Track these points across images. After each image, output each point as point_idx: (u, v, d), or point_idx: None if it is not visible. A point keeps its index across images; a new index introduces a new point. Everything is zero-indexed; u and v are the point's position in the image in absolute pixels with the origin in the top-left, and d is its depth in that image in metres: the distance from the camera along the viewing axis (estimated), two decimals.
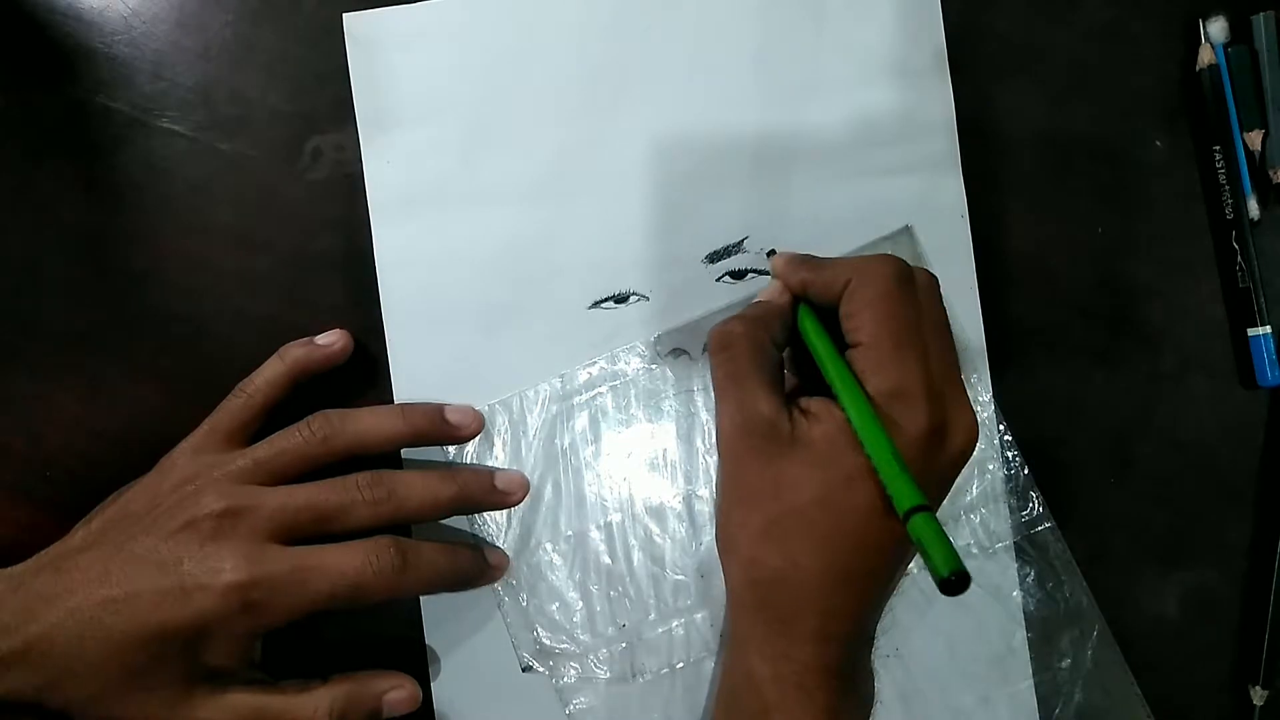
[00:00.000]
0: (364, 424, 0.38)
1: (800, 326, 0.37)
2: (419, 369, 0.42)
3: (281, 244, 0.42)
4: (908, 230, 0.43)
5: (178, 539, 0.35)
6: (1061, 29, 0.45)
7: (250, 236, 0.42)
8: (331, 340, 0.40)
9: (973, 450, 0.34)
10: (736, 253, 0.43)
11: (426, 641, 0.42)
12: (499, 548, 0.42)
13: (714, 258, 0.43)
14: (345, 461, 0.39)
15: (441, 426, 0.40)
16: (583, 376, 0.42)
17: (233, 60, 0.42)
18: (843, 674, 0.34)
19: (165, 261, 0.41)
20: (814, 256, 0.38)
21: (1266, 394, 0.45)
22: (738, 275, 0.43)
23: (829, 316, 0.36)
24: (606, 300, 0.42)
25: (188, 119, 0.41)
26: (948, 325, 0.36)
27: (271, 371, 0.40)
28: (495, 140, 0.42)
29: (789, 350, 0.38)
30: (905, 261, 0.35)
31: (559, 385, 0.42)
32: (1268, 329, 0.44)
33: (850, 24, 0.43)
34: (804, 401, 0.34)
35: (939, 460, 0.33)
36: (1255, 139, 0.44)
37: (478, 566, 0.40)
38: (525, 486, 0.41)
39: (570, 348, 0.42)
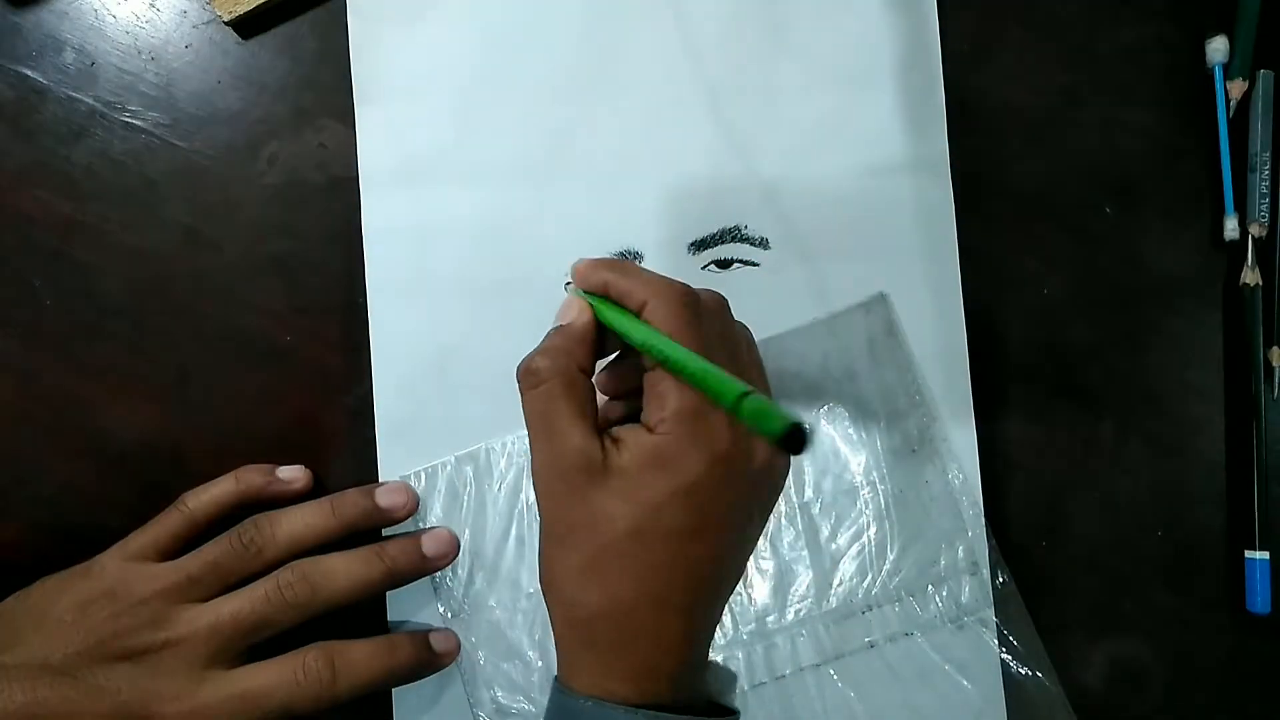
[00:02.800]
0: (295, 528, 0.39)
1: (602, 319, 0.36)
2: (400, 340, 0.42)
3: (230, 246, 0.42)
4: (882, 297, 0.42)
5: (113, 667, 0.35)
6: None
7: (201, 235, 0.42)
8: (293, 477, 0.41)
9: (787, 461, 0.35)
10: (720, 242, 0.42)
11: (393, 697, 0.41)
12: (447, 630, 0.41)
13: (699, 246, 0.42)
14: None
15: (374, 514, 0.40)
16: None
17: (197, 61, 0.42)
18: (675, 707, 0.33)
19: (113, 256, 0.42)
20: (618, 261, 0.40)
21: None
22: (723, 265, 0.42)
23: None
24: None
25: (148, 115, 0.42)
26: (743, 341, 0.36)
27: (221, 491, 0.40)
28: (489, 117, 0.43)
29: (611, 371, 0.37)
30: (691, 287, 0.34)
31: (525, 441, 0.41)
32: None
33: (846, 19, 0.43)
34: (615, 431, 0.34)
35: (748, 471, 0.33)
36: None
37: (420, 659, 0.40)
38: (455, 545, 0.41)
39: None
